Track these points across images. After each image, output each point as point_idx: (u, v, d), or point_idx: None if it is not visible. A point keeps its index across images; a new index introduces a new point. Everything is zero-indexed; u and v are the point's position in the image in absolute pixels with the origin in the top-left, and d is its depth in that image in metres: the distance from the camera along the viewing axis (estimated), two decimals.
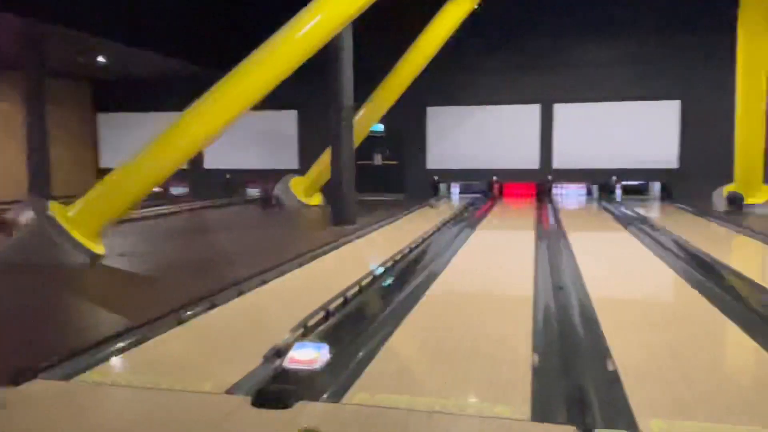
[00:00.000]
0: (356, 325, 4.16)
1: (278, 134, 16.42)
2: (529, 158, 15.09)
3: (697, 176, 13.43)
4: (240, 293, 5.03)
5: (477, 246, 8.24)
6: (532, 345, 3.62)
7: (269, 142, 16.43)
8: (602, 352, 3.48)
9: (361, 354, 3.50)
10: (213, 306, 4.63)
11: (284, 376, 3.10)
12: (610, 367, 3.22)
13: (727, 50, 11.22)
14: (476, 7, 12.64)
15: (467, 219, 10.98)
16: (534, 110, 15.01)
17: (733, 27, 10.86)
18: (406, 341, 3.91)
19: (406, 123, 15.43)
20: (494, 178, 15.43)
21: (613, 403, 2.76)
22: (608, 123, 14.57)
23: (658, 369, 3.18)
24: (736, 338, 3.96)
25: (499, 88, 14.99)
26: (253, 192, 16.78)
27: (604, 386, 2.98)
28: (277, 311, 4.70)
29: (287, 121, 16.30)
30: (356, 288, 5.05)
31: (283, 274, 5.93)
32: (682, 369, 3.20)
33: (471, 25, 12.83)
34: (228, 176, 16.71)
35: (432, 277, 5.76)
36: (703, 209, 11.64)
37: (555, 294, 4.92)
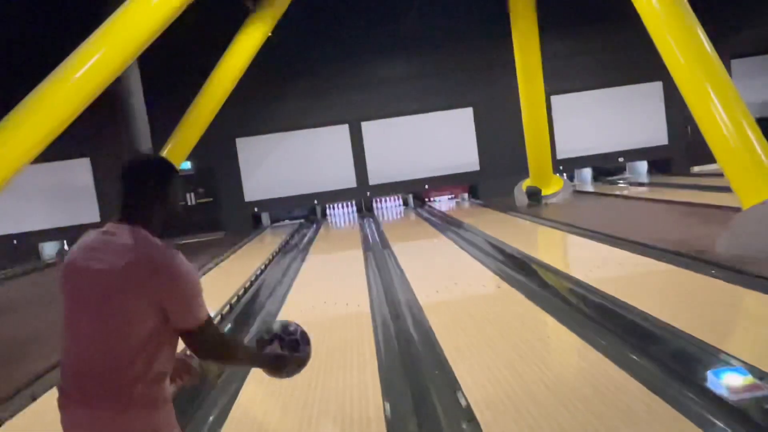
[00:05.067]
0: (192, 395, 3.62)
1: (71, 186, 14.65)
2: (345, 178, 15.19)
3: (498, 175, 14.51)
4: (34, 397, 4.18)
5: (310, 275, 7.95)
6: (382, 393, 3.41)
7: (61, 196, 14.57)
8: (452, 385, 3.38)
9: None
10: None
11: None
12: (463, 402, 3.13)
13: (508, 55, 12.24)
14: (270, 35, 12.42)
15: (295, 247, 10.67)
16: (343, 130, 15.15)
17: (511, 35, 11.89)
18: (252, 405, 3.49)
19: (217, 158, 14.66)
20: (315, 201, 15.31)
21: None
22: (414, 135, 15.18)
23: (508, 397, 3.15)
24: (569, 342, 4.11)
25: (307, 112, 14.89)
26: (51, 253, 14.82)
27: (460, 428, 2.85)
28: None
29: (80, 170, 14.59)
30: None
31: None
32: (530, 393, 3.20)
33: (268, 52, 12.58)
34: (15, 241, 14.53)
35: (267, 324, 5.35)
36: (506, 206, 12.53)
37: (394, 323, 4.81)
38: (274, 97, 14.59)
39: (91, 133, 12.22)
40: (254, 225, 15.10)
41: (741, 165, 5.61)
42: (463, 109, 15.32)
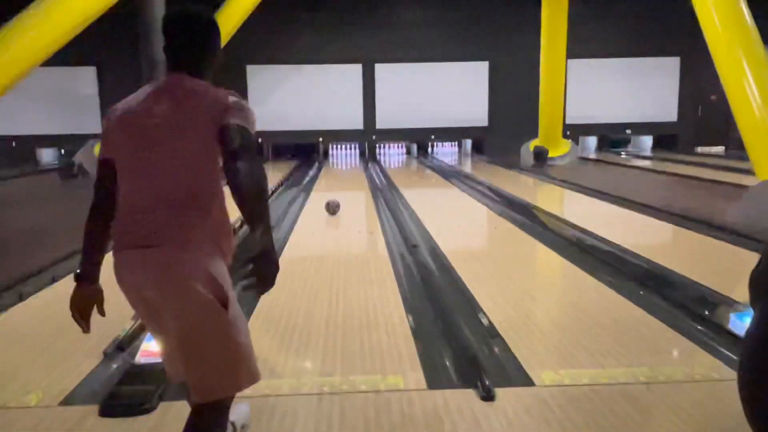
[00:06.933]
0: None
1: (74, 94, 14.41)
2: (353, 119, 15.08)
3: (505, 133, 14.49)
4: (54, 279, 4.24)
5: (318, 207, 7.97)
6: (404, 307, 3.50)
7: (64, 103, 14.36)
8: (473, 307, 3.47)
9: None
10: (21, 297, 3.84)
11: (136, 374, 2.61)
12: (485, 322, 3.22)
13: (531, 14, 12.06)
14: None
15: (298, 184, 10.65)
16: (356, 70, 14.96)
17: None
18: (270, 320, 3.55)
19: (225, 82, 14.22)
20: (320, 139, 15.22)
21: (502, 360, 2.74)
22: (425, 83, 15.05)
23: (529, 319, 3.25)
24: (584, 281, 4.19)
25: (321, 47, 14.65)
26: (49, 160, 14.72)
27: (486, 342, 2.95)
28: (108, 296, 4.02)
29: (85, 78, 14.33)
30: None
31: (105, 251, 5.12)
32: (550, 317, 3.31)
33: None
34: (14, 143, 14.36)
35: (280, 243, 5.39)
36: (510, 163, 12.55)
37: (410, 252, 4.87)
38: (290, 28, 14.30)
39: (99, 41, 11.96)
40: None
41: (764, 137, 5.66)
42: (479, 62, 15.15)
